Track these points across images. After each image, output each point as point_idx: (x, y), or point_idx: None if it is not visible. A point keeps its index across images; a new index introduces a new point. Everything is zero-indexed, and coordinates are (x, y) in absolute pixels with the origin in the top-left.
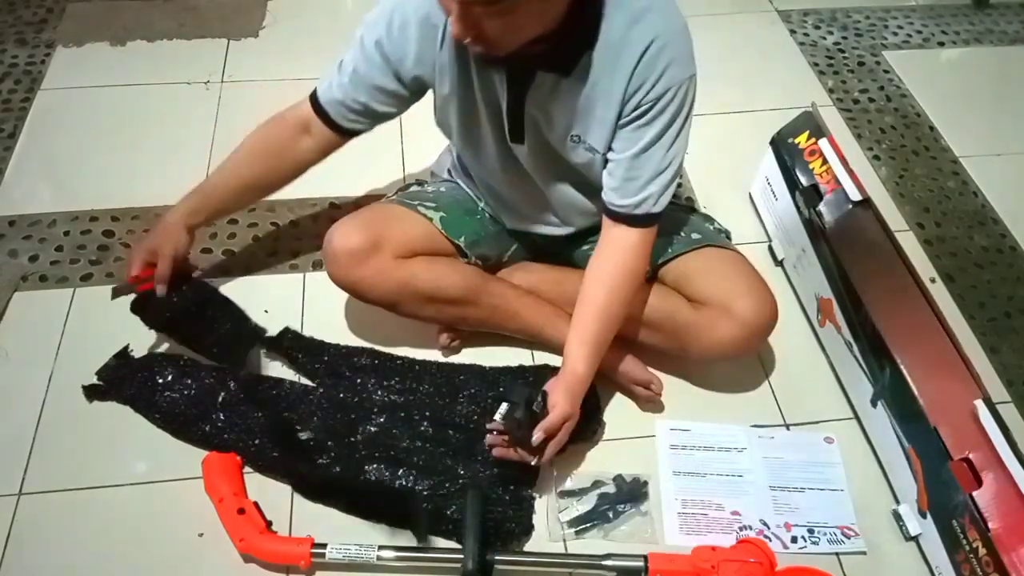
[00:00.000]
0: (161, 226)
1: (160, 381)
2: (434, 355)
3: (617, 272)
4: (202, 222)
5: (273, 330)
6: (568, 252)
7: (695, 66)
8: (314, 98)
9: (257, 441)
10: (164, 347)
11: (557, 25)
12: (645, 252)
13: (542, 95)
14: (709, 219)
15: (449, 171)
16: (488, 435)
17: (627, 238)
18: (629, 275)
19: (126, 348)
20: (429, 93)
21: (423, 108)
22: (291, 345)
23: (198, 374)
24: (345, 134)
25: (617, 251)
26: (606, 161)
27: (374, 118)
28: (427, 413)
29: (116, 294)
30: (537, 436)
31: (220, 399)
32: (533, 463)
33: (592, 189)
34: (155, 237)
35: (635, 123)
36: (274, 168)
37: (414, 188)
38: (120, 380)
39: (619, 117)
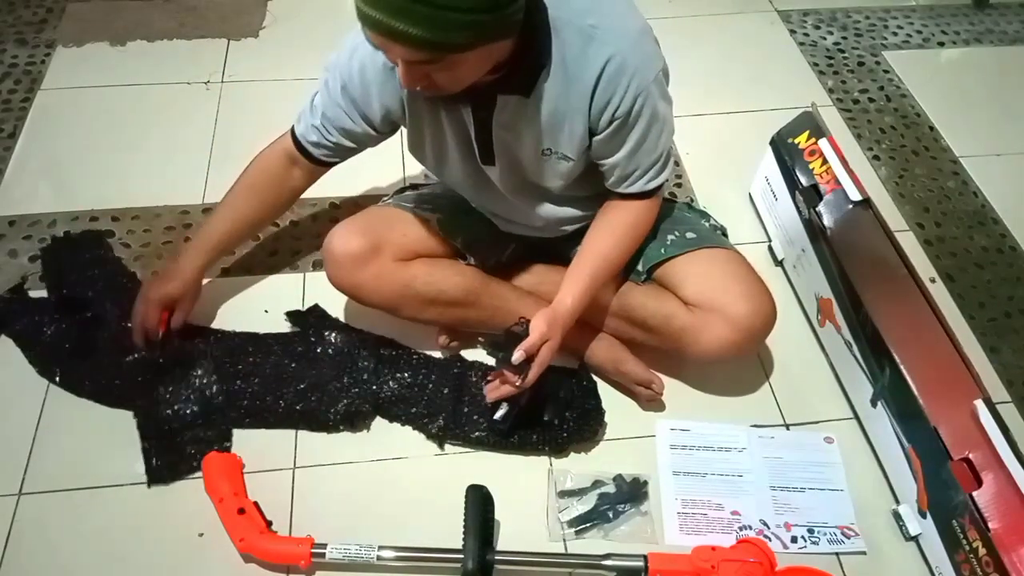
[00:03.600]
0: (178, 277)
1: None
2: (434, 355)
3: (622, 223)
4: (208, 267)
5: (273, 329)
6: (566, 251)
7: (660, 59)
8: (294, 135)
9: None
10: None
11: (508, 56)
12: (650, 212)
13: (507, 116)
14: (705, 215)
15: None
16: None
17: (632, 204)
18: (632, 228)
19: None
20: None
21: None
22: (316, 323)
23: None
24: (327, 165)
25: (622, 210)
26: (591, 166)
27: (350, 153)
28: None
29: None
30: (518, 355)
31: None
32: (518, 384)
33: (568, 199)
34: (171, 286)
35: (615, 133)
36: (273, 200)
37: (409, 192)
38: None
39: (591, 131)
